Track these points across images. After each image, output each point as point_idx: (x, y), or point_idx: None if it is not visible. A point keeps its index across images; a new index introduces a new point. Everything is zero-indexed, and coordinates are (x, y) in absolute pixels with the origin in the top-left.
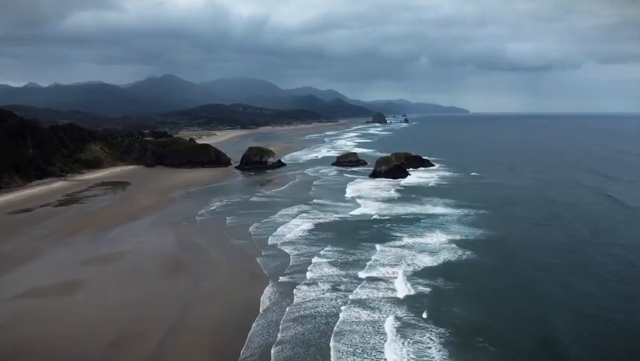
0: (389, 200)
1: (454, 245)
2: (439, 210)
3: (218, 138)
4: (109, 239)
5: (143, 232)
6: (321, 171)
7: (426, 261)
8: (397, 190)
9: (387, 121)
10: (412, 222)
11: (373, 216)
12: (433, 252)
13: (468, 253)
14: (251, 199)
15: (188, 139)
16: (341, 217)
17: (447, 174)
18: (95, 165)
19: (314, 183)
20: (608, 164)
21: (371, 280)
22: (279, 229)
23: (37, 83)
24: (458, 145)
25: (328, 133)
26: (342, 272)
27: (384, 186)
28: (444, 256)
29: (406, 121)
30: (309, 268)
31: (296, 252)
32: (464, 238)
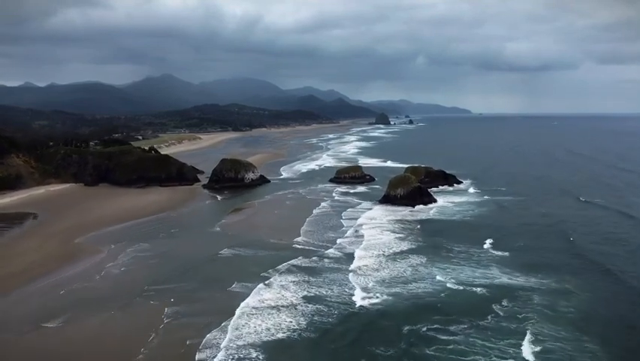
0: (416, 254)
1: None
2: (504, 279)
3: (201, 143)
4: None
5: None
6: (315, 195)
7: None
8: (424, 232)
9: (391, 122)
10: (469, 319)
11: (391, 305)
12: None
13: None
14: (189, 251)
15: (147, 147)
16: (331, 308)
17: (484, 198)
18: (10, 184)
19: (302, 217)
20: None
21: None
22: (211, 333)
23: (34, 83)
24: (480, 152)
25: (328, 136)
26: None
27: (403, 224)
28: None
29: (411, 122)
30: None
31: None
32: None
